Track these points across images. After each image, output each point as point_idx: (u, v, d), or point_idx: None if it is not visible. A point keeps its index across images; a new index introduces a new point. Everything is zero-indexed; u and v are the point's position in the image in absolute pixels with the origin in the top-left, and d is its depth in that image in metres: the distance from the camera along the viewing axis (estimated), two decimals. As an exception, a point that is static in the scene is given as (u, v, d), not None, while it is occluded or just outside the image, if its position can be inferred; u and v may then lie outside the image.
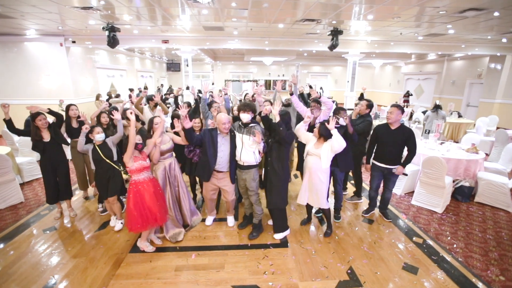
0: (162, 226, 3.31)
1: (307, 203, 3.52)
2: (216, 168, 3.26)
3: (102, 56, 11.02)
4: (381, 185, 3.86)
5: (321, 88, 4.97)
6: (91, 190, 4.55)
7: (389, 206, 4.20)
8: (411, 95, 13.83)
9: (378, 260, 2.98)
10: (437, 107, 6.93)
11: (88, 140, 3.36)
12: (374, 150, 3.76)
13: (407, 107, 12.81)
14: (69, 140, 4.01)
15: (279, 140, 3.03)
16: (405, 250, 3.16)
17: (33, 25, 6.90)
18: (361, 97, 13.00)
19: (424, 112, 9.06)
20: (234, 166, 3.31)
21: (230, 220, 3.69)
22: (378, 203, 4.04)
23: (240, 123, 3.19)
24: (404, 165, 3.56)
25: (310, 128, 3.56)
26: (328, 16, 5.97)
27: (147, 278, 2.69)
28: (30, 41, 8.34)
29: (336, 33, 6.86)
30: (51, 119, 3.72)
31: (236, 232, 3.51)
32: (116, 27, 6.83)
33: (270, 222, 3.66)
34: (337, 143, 3.00)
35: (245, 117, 3.10)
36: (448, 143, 5.28)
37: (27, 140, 5.54)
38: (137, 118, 4.11)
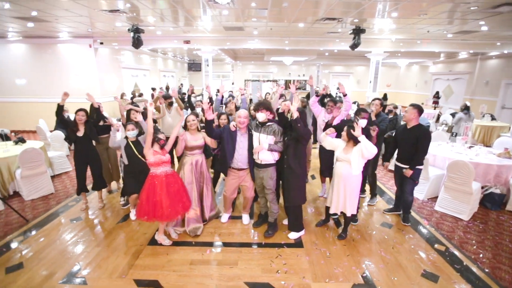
0: (184, 219, 3.44)
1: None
2: (237, 166, 3.34)
3: (127, 56, 11.54)
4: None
5: (338, 88, 4.87)
6: (114, 184, 4.80)
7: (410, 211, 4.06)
8: (440, 97, 13.24)
9: (395, 266, 2.90)
10: (468, 109, 6.61)
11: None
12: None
13: (435, 109, 12.28)
14: None
15: (296, 137, 3.04)
16: (426, 257, 3.05)
17: (65, 28, 7.39)
18: (385, 97, 12.65)
19: (453, 115, 8.64)
20: (253, 164, 3.38)
21: (245, 218, 3.75)
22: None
23: (257, 122, 3.24)
24: (411, 166, 3.46)
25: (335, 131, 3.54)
26: (349, 15, 5.88)
27: (164, 270, 2.81)
28: (63, 43, 8.94)
29: (358, 32, 6.73)
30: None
31: (251, 231, 3.56)
32: (141, 29, 7.14)
33: (285, 221, 3.67)
34: (367, 150, 2.87)
35: (261, 116, 3.15)
36: (477, 147, 5.01)
37: (58, 136, 5.96)
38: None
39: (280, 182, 3.45)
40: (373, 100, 4.23)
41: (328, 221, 3.70)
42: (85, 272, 2.78)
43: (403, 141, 3.58)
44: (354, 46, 7.10)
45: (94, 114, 3.99)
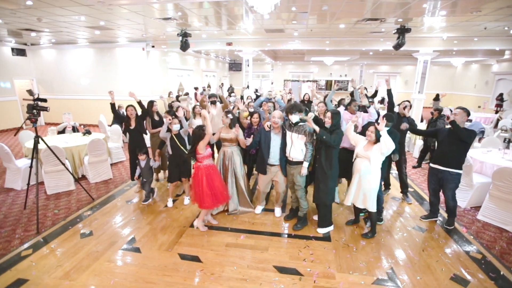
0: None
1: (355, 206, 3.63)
2: (270, 162, 3.71)
3: (174, 58, 12.60)
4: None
5: (365, 88, 4.85)
6: (161, 173, 5.47)
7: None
8: (506, 100, 12.04)
9: (423, 267, 2.98)
10: None
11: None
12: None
13: (496, 112, 11.23)
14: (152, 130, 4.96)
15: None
16: (458, 262, 3.07)
17: (124, 34, 8.47)
18: (436, 98, 11.90)
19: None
20: (285, 161, 3.70)
21: (278, 211, 4.08)
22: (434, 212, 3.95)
23: (290, 122, 3.56)
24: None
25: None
26: (393, 15, 5.84)
27: (203, 248, 3.27)
28: (120, 47, 10.18)
29: (402, 31, 6.60)
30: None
31: (282, 223, 3.88)
32: (188, 33, 7.87)
33: (315, 217, 3.92)
34: (385, 145, 3.08)
35: (294, 118, 3.46)
36: (535, 156, 4.67)
37: (116, 129, 6.91)
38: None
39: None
40: (436, 100, 4.32)
41: (358, 221, 3.85)
42: (139, 243, 3.37)
43: (445, 142, 3.57)
44: (398, 46, 6.96)
45: (144, 109, 4.66)
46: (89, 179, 5.29)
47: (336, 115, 3.37)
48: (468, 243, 3.45)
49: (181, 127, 4.15)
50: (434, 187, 3.82)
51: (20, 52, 10.37)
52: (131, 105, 4.57)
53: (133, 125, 4.54)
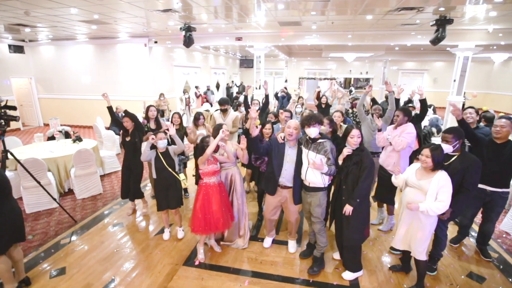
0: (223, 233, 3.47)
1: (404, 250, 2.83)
2: (281, 182, 3.07)
3: (180, 54, 12.11)
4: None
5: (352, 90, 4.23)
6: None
7: (509, 259, 3.27)
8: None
9: None
10: None
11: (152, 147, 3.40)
12: None
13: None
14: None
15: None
16: (539, 336, 2.34)
17: (123, 28, 8.02)
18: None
19: None
20: (299, 184, 3.05)
21: (292, 245, 3.45)
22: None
23: (307, 137, 2.90)
24: None
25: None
26: (434, 3, 5.05)
27: (197, 299, 2.69)
28: (121, 42, 9.76)
29: (443, 22, 5.77)
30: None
31: (297, 262, 3.24)
32: (192, 27, 7.31)
33: (336, 256, 3.26)
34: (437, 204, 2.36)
35: (313, 132, 2.79)
36: None
37: (111, 135, 6.45)
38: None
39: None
40: (467, 108, 3.49)
41: (408, 271, 3.04)
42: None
43: (493, 159, 2.95)
44: (437, 40, 6.12)
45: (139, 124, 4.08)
46: (76, 194, 4.81)
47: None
48: (546, 302, 2.70)
49: (169, 143, 3.51)
50: (474, 211, 3.27)
51: (17, 49, 10.14)
52: (127, 115, 3.94)
53: (129, 137, 3.97)
